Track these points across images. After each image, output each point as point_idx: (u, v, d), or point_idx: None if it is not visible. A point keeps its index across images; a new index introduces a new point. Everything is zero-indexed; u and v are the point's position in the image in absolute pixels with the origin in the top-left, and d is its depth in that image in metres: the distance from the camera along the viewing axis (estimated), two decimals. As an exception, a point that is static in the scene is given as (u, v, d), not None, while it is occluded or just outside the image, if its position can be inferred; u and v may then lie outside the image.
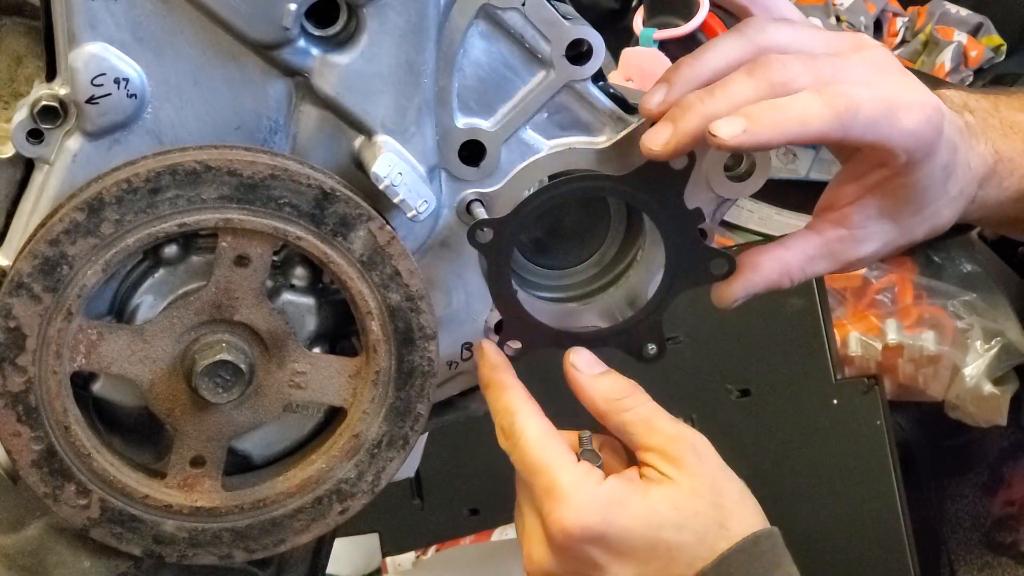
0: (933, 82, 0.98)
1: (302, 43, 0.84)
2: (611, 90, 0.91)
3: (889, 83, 0.89)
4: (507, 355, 0.93)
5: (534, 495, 0.89)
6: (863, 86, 0.88)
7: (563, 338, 0.94)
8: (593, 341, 0.95)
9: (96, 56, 0.83)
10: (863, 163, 0.93)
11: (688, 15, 1.02)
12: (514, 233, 0.90)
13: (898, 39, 2.18)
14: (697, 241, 0.92)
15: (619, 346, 0.96)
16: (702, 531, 0.87)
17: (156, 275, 0.87)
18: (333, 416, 0.92)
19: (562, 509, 0.86)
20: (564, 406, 0.93)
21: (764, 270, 0.93)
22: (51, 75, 0.85)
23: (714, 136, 0.84)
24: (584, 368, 0.92)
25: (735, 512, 0.89)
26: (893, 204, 0.93)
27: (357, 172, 0.87)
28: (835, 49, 0.92)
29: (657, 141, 0.87)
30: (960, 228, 1.88)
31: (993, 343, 1.94)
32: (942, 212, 0.95)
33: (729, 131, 0.84)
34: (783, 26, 0.92)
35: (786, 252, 0.94)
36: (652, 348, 0.95)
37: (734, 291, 0.93)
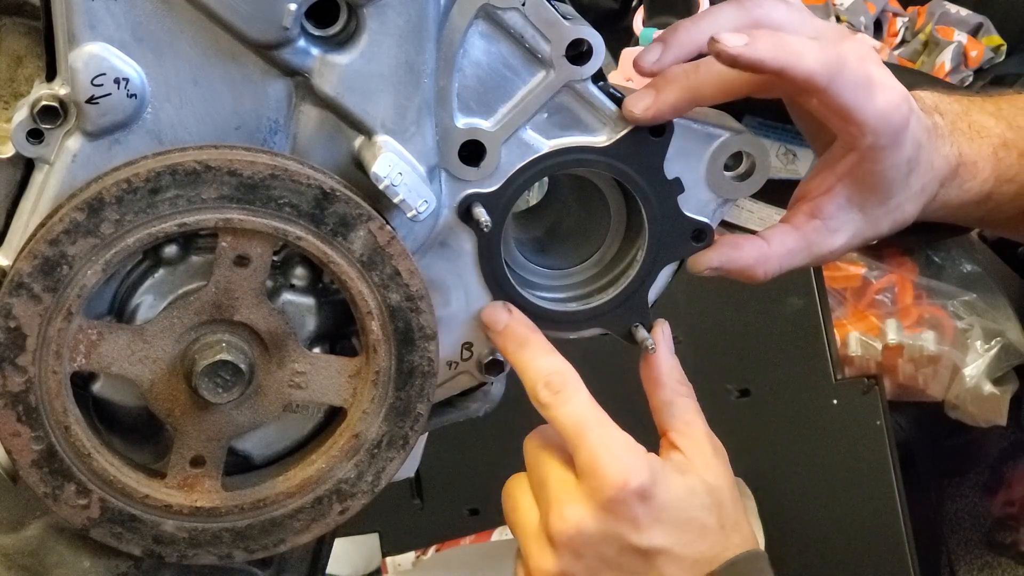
0: (912, 80, 0.99)
1: (302, 43, 0.84)
2: (611, 90, 0.91)
3: (870, 67, 0.93)
4: None
5: (584, 449, 0.89)
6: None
7: (552, 319, 0.95)
8: (582, 321, 0.96)
9: (96, 56, 0.83)
10: (835, 149, 0.96)
11: (688, 15, 1.02)
12: (504, 208, 0.91)
13: (898, 39, 2.18)
14: (677, 212, 0.94)
15: (608, 326, 0.96)
16: (723, 520, 0.90)
17: (156, 275, 0.87)
18: (333, 416, 0.92)
19: (620, 464, 0.88)
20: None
21: (743, 250, 0.96)
22: (51, 75, 0.85)
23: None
24: (667, 343, 0.96)
25: (746, 518, 0.93)
26: (860, 193, 0.96)
27: (357, 172, 0.87)
28: (823, 36, 0.94)
29: (638, 105, 0.91)
30: (960, 228, 1.89)
31: (993, 343, 1.94)
32: (905, 206, 0.98)
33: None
34: (780, 5, 0.95)
35: (766, 243, 0.97)
36: (642, 332, 0.95)
37: (709, 258, 0.95)
